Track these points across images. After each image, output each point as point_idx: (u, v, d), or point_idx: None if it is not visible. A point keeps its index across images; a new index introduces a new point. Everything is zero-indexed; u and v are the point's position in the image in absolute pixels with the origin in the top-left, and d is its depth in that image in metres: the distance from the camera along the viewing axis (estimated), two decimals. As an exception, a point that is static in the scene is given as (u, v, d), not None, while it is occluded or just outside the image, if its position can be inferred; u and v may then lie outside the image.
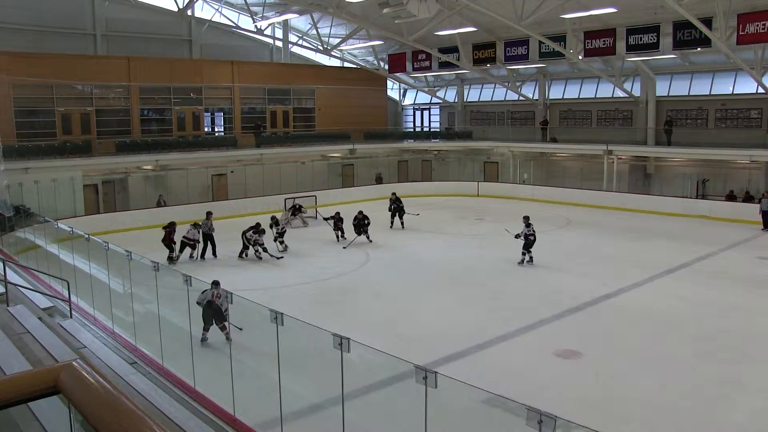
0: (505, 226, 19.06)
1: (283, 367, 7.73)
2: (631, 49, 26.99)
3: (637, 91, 33.32)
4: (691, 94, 31.91)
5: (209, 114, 35.30)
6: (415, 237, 22.16)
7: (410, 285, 16.26)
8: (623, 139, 33.13)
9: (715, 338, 12.09)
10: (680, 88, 32.26)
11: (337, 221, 21.72)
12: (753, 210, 24.94)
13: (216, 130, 35.81)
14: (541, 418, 4.80)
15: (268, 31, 37.30)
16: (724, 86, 30.93)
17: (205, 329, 11.28)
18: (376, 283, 16.39)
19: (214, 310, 11.12)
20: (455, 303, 14.44)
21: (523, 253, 17.70)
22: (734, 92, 30.66)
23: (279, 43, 39.03)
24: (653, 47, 26.45)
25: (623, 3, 24.30)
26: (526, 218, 18.06)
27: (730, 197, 28.68)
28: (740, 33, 23.92)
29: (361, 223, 20.77)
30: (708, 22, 23.54)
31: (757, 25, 23.48)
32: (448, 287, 15.86)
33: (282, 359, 7.70)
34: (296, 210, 25.71)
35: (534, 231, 17.67)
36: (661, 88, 32.87)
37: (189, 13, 33.75)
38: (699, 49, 26.07)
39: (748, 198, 28.30)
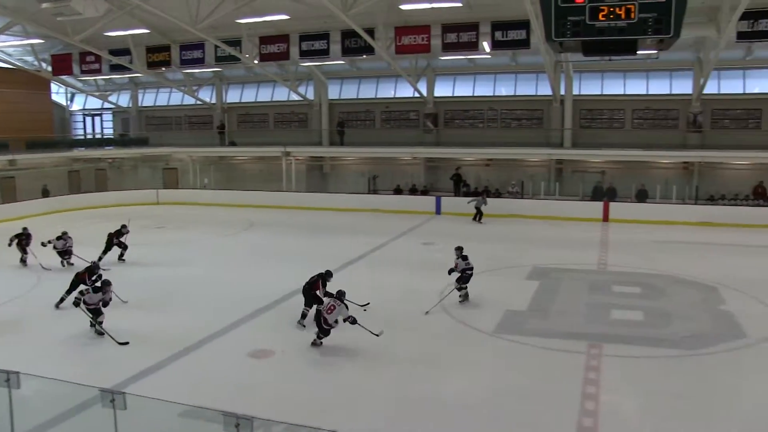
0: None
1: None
2: (304, 54, 28.16)
3: (311, 95, 35.10)
4: (360, 97, 34.53)
5: None
6: (98, 250, 20.41)
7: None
8: (300, 140, 34.61)
9: (398, 321, 13.03)
10: (350, 91, 34.79)
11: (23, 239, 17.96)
12: (417, 201, 28.05)
13: None
14: (238, 421, 4.89)
15: None
16: (387, 90, 34.00)
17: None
18: (48, 305, 14.54)
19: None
20: (137, 315, 13.55)
21: (458, 288, 14.24)
22: (396, 95, 33.85)
23: None
24: (324, 53, 27.85)
25: (295, 10, 25.31)
26: (460, 249, 14.64)
27: (398, 191, 31.62)
28: (398, 44, 26.47)
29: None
30: (371, 32, 25.64)
31: (411, 38, 26.21)
32: (129, 299, 14.56)
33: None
34: None
35: (471, 265, 14.33)
36: (333, 92, 35.08)
37: None
38: (364, 56, 28.14)
39: (413, 191, 31.47)
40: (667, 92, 30.29)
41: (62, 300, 13.78)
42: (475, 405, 9.31)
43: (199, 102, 37.30)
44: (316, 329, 11.41)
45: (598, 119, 31.22)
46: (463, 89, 33.10)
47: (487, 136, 31.83)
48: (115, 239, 18.44)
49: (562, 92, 30.83)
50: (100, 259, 17.41)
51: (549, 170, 31.10)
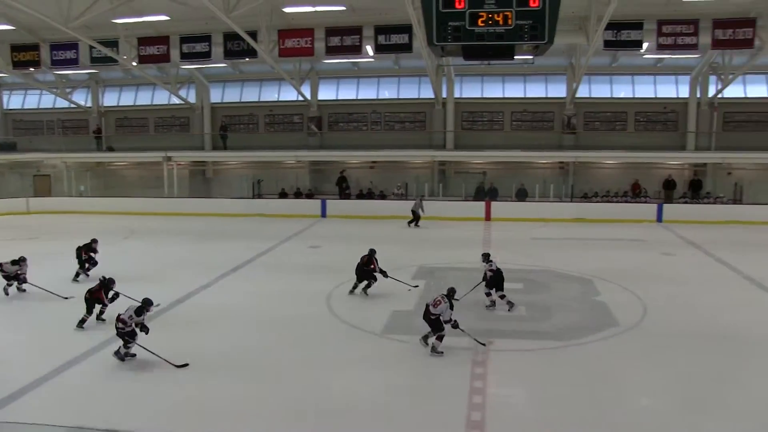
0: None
1: None
2: (185, 57, 27.44)
3: (192, 98, 34.27)
4: (243, 100, 34.05)
5: None
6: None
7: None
8: (182, 145, 33.77)
9: (286, 324, 12.96)
10: (233, 95, 34.25)
11: None
12: (302, 205, 28.48)
13: None
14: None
15: None
16: (271, 94, 33.71)
17: None
18: None
19: None
20: (8, 334, 12.61)
21: (488, 293, 14.09)
22: (280, 99, 33.63)
23: None
24: (205, 56, 27.26)
25: (175, 11, 24.67)
26: (486, 255, 14.72)
27: (283, 195, 31.40)
28: (281, 47, 26.32)
29: None
30: (254, 35, 25.33)
31: (294, 41, 26.15)
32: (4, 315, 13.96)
33: None
34: None
35: (496, 267, 14.00)
36: (215, 95, 34.43)
37: None
38: (247, 59, 27.72)
39: (298, 194, 31.34)
40: (543, 95, 31.76)
41: (83, 321, 12.68)
42: (364, 405, 9.40)
43: (73, 105, 35.58)
44: (429, 330, 11.28)
45: (478, 121, 32.23)
46: (346, 92, 33.32)
47: (372, 138, 32.23)
48: (84, 253, 17.15)
49: (444, 95, 31.64)
50: (77, 275, 16.75)
51: (432, 171, 31.80)
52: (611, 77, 31.50)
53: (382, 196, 30.15)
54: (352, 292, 15.09)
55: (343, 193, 30.62)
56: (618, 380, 10.30)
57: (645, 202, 28.37)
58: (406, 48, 25.36)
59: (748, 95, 30.89)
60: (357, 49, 26.01)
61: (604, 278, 16.66)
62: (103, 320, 12.83)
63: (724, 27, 24.13)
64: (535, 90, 31.88)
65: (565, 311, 13.89)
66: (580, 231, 24.23)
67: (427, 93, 31.58)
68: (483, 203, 27.60)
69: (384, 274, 15.16)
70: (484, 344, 11.42)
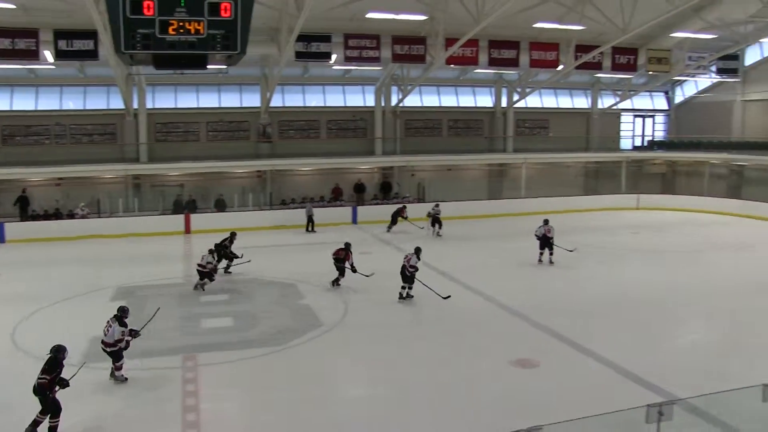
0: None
1: None
2: None
3: None
4: None
5: None
6: None
7: None
8: None
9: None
10: None
11: None
12: None
13: None
14: None
15: None
16: None
17: None
18: None
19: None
20: None
21: (541, 253, 19.79)
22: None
23: None
24: None
25: None
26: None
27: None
28: None
29: None
30: None
31: None
32: None
33: None
34: None
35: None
36: None
37: None
38: None
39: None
40: (239, 105, 32.00)
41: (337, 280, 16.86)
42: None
43: None
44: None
45: (173, 132, 31.42)
46: (24, 103, 30.14)
47: (56, 153, 29.54)
48: (227, 249, 18.38)
49: (135, 106, 30.23)
50: (227, 268, 18.44)
51: (126, 186, 30.22)
52: (303, 87, 32.84)
53: (71, 216, 27.80)
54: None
55: (26, 214, 27.68)
56: (328, 377, 10.85)
57: (341, 206, 29.98)
58: (92, 55, 23.83)
59: (424, 104, 34.53)
60: (33, 54, 23.76)
61: (306, 282, 17.29)
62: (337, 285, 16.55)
63: (402, 43, 26.79)
64: (230, 100, 31.99)
65: (271, 317, 14.20)
66: (280, 237, 24.80)
67: (117, 103, 29.86)
68: (182, 216, 26.96)
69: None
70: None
